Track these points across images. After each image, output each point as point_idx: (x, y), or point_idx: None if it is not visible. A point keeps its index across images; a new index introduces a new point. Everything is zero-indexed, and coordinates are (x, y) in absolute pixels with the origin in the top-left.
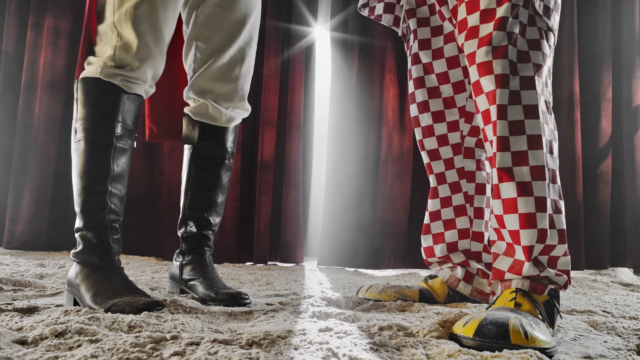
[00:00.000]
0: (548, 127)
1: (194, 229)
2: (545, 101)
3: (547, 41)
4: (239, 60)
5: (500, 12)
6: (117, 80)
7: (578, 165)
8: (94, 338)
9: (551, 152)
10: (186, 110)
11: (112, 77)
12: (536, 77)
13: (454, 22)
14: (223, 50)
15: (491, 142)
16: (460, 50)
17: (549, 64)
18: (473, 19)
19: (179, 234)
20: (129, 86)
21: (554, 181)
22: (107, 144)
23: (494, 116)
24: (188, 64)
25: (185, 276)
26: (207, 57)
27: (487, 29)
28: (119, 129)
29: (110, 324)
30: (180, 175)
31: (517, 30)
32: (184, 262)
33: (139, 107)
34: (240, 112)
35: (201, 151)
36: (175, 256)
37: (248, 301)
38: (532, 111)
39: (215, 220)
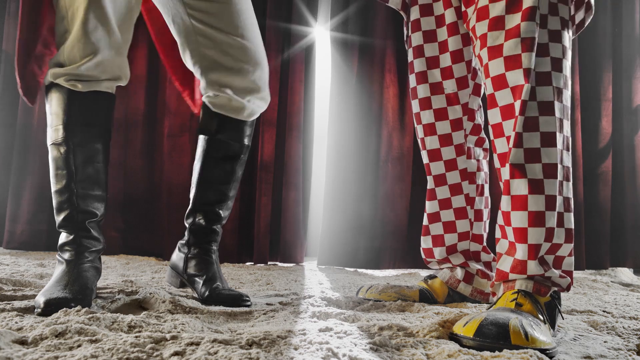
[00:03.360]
0: (568, 123)
1: (202, 222)
2: (569, 95)
3: (568, 32)
4: (251, 49)
5: (528, 1)
6: (63, 80)
7: (578, 165)
8: (94, 338)
9: (567, 149)
10: (205, 100)
11: (59, 78)
12: (553, 72)
13: (463, 9)
14: (235, 43)
15: (508, 137)
16: (465, 43)
17: (570, 55)
18: (497, 8)
19: (186, 224)
20: (76, 85)
21: (567, 179)
22: (62, 146)
23: (517, 111)
24: (192, 61)
25: (190, 270)
26: (219, 53)
27: (514, 19)
28: (70, 130)
29: (110, 324)
30: (180, 174)
31: (539, 20)
32: (189, 255)
33: (99, 104)
34: (261, 103)
35: (218, 144)
36: (179, 246)
37: (249, 303)
38: (546, 108)
39: (225, 213)
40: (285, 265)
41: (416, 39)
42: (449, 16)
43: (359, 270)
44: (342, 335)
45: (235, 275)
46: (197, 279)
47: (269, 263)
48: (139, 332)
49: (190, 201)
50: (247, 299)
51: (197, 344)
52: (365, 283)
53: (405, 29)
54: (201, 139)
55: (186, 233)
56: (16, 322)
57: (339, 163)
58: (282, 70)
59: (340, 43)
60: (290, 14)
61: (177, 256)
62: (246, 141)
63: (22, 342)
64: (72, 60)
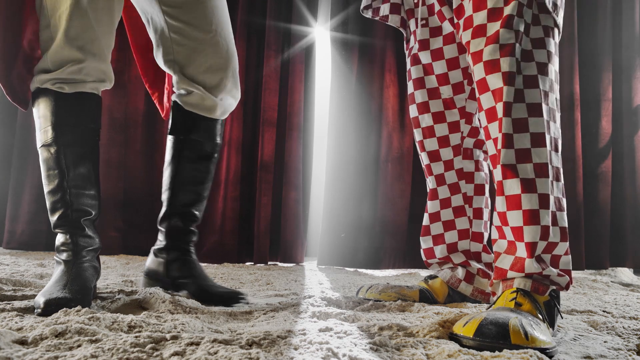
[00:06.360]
0: (555, 125)
1: (180, 224)
2: (555, 98)
3: (553, 39)
4: (224, 46)
5: (508, 10)
6: (50, 84)
7: (578, 165)
8: (94, 338)
9: (556, 150)
10: (176, 99)
11: (45, 83)
12: (539, 75)
13: (456, 21)
14: (207, 38)
15: (495, 139)
16: (461, 51)
17: (556, 61)
18: (480, 17)
19: (161, 228)
20: (62, 87)
21: (557, 179)
22: (52, 147)
23: (499, 113)
24: (164, 59)
25: (174, 273)
26: (190, 49)
27: (494, 27)
28: (59, 130)
29: (110, 324)
30: None
31: (522, 28)
32: (169, 259)
33: (85, 104)
34: (232, 101)
35: (192, 144)
36: (155, 252)
37: (245, 300)
38: (535, 109)
39: (200, 214)
40: (286, 265)
41: (414, 48)
42: (447, 27)
43: (359, 270)
44: (342, 335)
45: (235, 275)
46: (184, 280)
47: (269, 263)
48: (139, 332)
49: (164, 204)
50: (242, 296)
51: (197, 344)
52: (365, 283)
53: (405, 41)
54: (173, 139)
55: (161, 237)
56: (16, 322)
57: (339, 163)
58: (282, 70)
59: (340, 43)
60: (290, 14)
61: (154, 262)
62: (219, 140)
63: (22, 342)
64: (57, 67)
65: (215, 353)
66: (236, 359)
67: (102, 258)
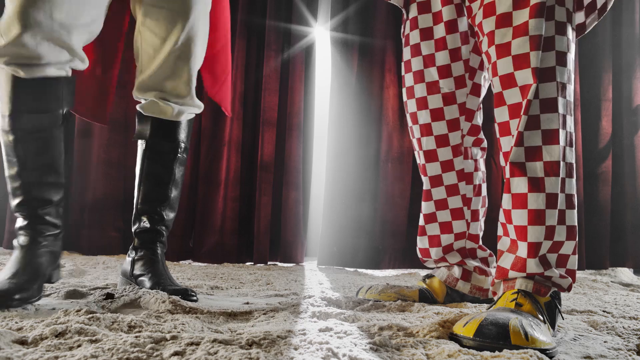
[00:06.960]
0: (571, 118)
1: (147, 225)
2: (572, 89)
3: (571, 24)
4: (184, 58)
5: None
6: (3, 62)
7: (578, 165)
8: (94, 338)
9: (571, 145)
10: (137, 107)
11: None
12: (557, 67)
13: (467, 4)
14: (164, 50)
15: (513, 136)
16: (463, 41)
17: (573, 48)
18: (504, 5)
19: (133, 230)
20: (17, 71)
21: (570, 175)
22: (10, 134)
23: (522, 110)
24: (137, 64)
25: (136, 272)
26: (150, 57)
27: (522, 16)
28: (17, 118)
29: (110, 324)
30: None
31: (544, 15)
32: (135, 258)
33: (47, 90)
34: (190, 108)
35: (153, 146)
36: (128, 252)
37: (195, 298)
38: (549, 105)
39: (169, 215)
40: (285, 265)
41: (414, 37)
42: (447, 13)
43: (359, 270)
44: (342, 335)
45: (235, 275)
46: (142, 277)
47: (269, 263)
48: (139, 332)
49: (134, 206)
50: (193, 294)
51: (197, 344)
52: (365, 283)
53: (403, 26)
54: (139, 144)
55: (134, 238)
56: (16, 322)
57: (339, 163)
58: (282, 70)
59: (340, 43)
60: (290, 14)
61: (125, 262)
62: (181, 141)
63: (22, 342)
64: (8, 38)
65: (215, 353)
66: (236, 359)
67: (102, 258)
